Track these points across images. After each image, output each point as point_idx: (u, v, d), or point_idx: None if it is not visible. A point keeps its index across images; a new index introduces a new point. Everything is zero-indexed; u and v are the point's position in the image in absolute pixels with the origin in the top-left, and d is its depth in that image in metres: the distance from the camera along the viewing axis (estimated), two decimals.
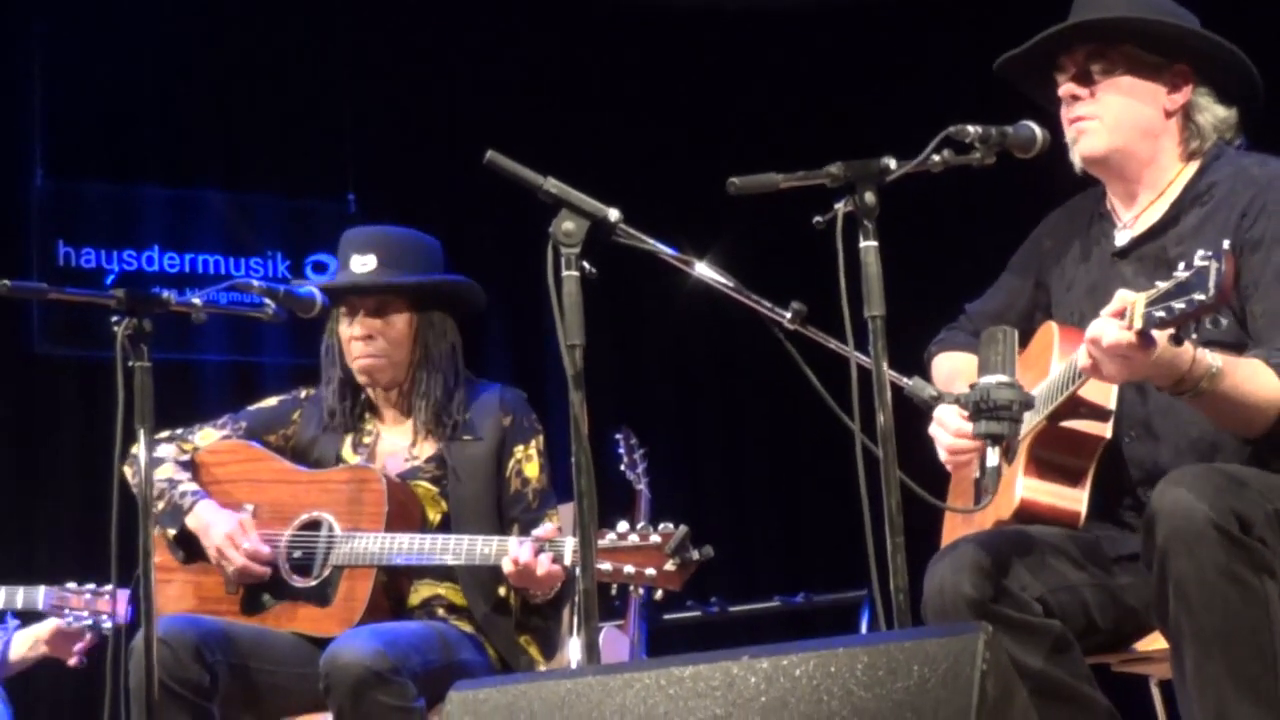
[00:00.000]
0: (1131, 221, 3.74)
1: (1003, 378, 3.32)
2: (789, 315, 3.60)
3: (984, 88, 3.95)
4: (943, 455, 3.77)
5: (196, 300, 4.16)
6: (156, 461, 4.55)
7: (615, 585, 4.16)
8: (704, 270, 3.62)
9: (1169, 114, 3.70)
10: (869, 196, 3.36)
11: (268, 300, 4.29)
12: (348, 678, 4.13)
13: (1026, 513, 3.58)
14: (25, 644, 4.94)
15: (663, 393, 8.88)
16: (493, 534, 4.46)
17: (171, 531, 4.53)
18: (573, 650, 5.65)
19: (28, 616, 4.98)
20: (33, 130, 7.76)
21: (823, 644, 2.87)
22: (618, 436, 7.24)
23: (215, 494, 4.58)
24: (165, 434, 4.68)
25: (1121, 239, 3.74)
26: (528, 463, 4.63)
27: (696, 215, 6.56)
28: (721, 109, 8.90)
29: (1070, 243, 3.87)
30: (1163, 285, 3.14)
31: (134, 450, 4.06)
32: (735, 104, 8.92)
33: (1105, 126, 3.67)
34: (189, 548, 4.56)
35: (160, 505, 4.49)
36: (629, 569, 4.05)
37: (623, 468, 7.19)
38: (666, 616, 7.42)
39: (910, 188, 3.48)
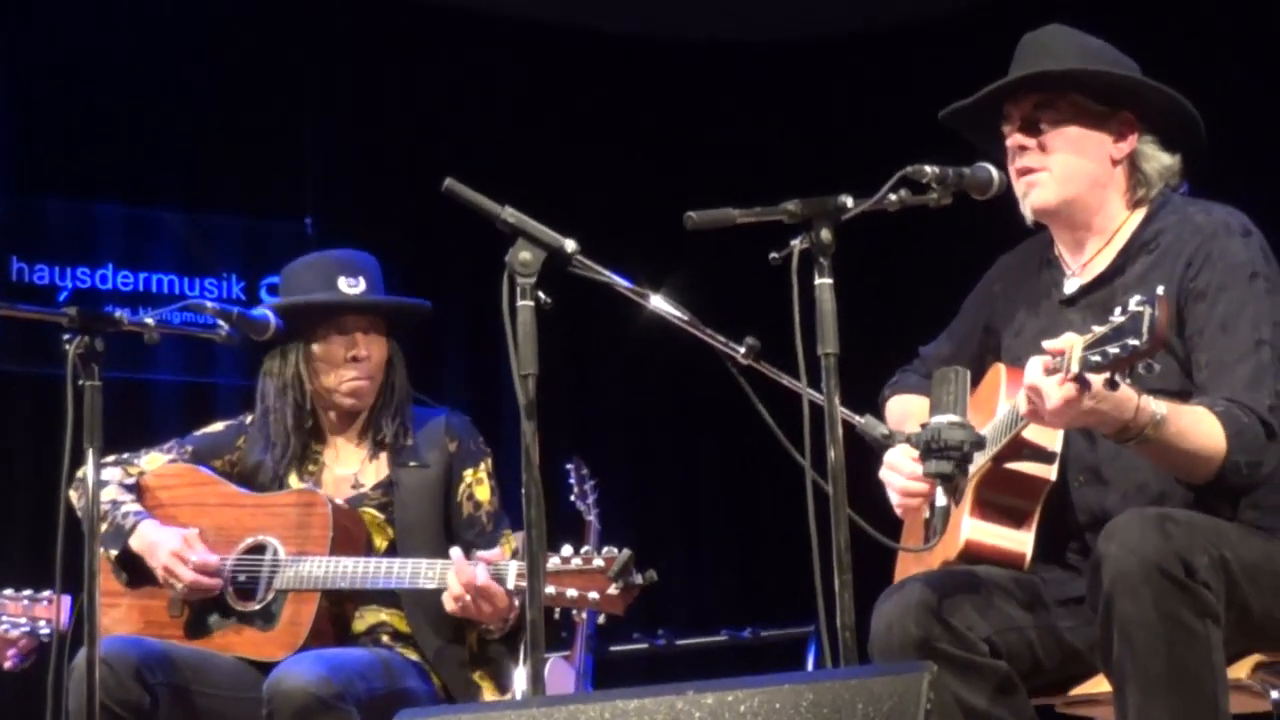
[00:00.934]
0: (1080, 269, 3.77)
1: (954, 418, 3.33)
2: (743, 350, 3.61)
3: (943, 127, 3.97)
4: (894, 499, 3.78)
5: (150, 320, 4.13)
6: (101, 484, 4.52)
7: (559, 612, 4.14)
8: (659, 303, 3.63)
9: (1115, 162, 3.72)
10: (825, 234, 3.37)
11: (221, 322, 4.27)
12: (291, 704, 4.10)
13: (972, 553, 3.59)
14: None
15: (615, 423, 8.88)
16: (438, 558, 4.44)
17: (114, 553, 4.50)
18: (518, 680, 5.63)
19: None
20: None
21: (768, 680, 2.87)
22: (569, 466, 7.23)
23: (160, 517, 4.55)
24: (111, 458, 4.63)
25: (1070, 286, 3.76)
26: (478, 485, 4.62)
27: (654, 246, 6.57)
28: (681, 141, 8.92)
29: (1020, 288, 3.89)
30: (1099, 330, 3.16)
31: (79, 474, 4.04)
32: (695, 136, 8.95)
33: (1054, 178, 3.69)
34: (133, 570, 4.53)
35: (103, 527, 4.45)
36: (572, 592, 4.05)
37: (573, 498, 7.18)
38: (613, 648, 7.41)
39: (867, 226, 3.50)
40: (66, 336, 3.92)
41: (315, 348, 4.63)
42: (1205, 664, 3.21)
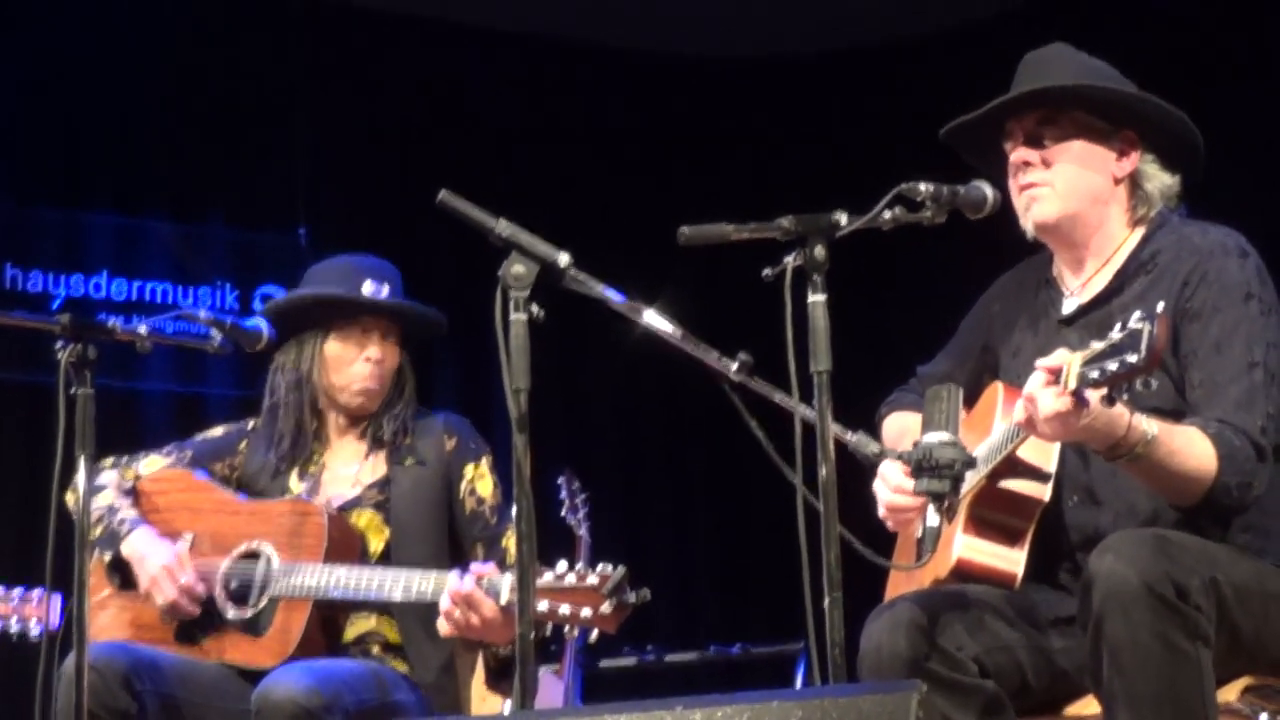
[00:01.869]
0: (1078, 289, 3.77)
1: (945, 436, 3.33)
2: (735, 366, 3.61)
3: (938, 145, 3.97)
4: (881, 511, 3.78)
5: (142, 329, 4.14)
6: (99, 488, 4.54)
7: (550, 626, 4.13)
8: (651, 318, 3.63)
9: (1117, 180, 3.73)
10: (819, 251, 3.37)
11: (214, 331, 4.27)
12: (279, 715, 4.09)
13: (963, 571, 3.59)
14: None
15: (607, 438, 8.88)
16: (437, 560, 4.45)
17: (107, 556, 4.50)
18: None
19: None
20: None
21: (757, 696, 2.87)
22: (560, 480, 7.23)
23: (155, 522, 4.55)
24: (110, 460, 4.66)
25: (1068, 306, 3.77)
26: (480, 481, 4.62)
27: (648, 262, 6.57)
28: (676, 156, 8.93)
29: (1018, 308, 3.89)
30: (1097, 345, 3.17)
31: (76, 479, 4.04)
32: (690, 151, 8.96)
33: (1057, 193, 3.70)
34: (125, 574, 4.53)
35: (98, 531, 4.47)
36: (565, 609, 4.04)
37: (564, 512, 7.18)
38: (602, 663, 7.41)
39: (862, 243, 3.50)
40: (59, 344, 3.93)
41: (331, 344, 4.65)
42: (1195, 686, 3.21)
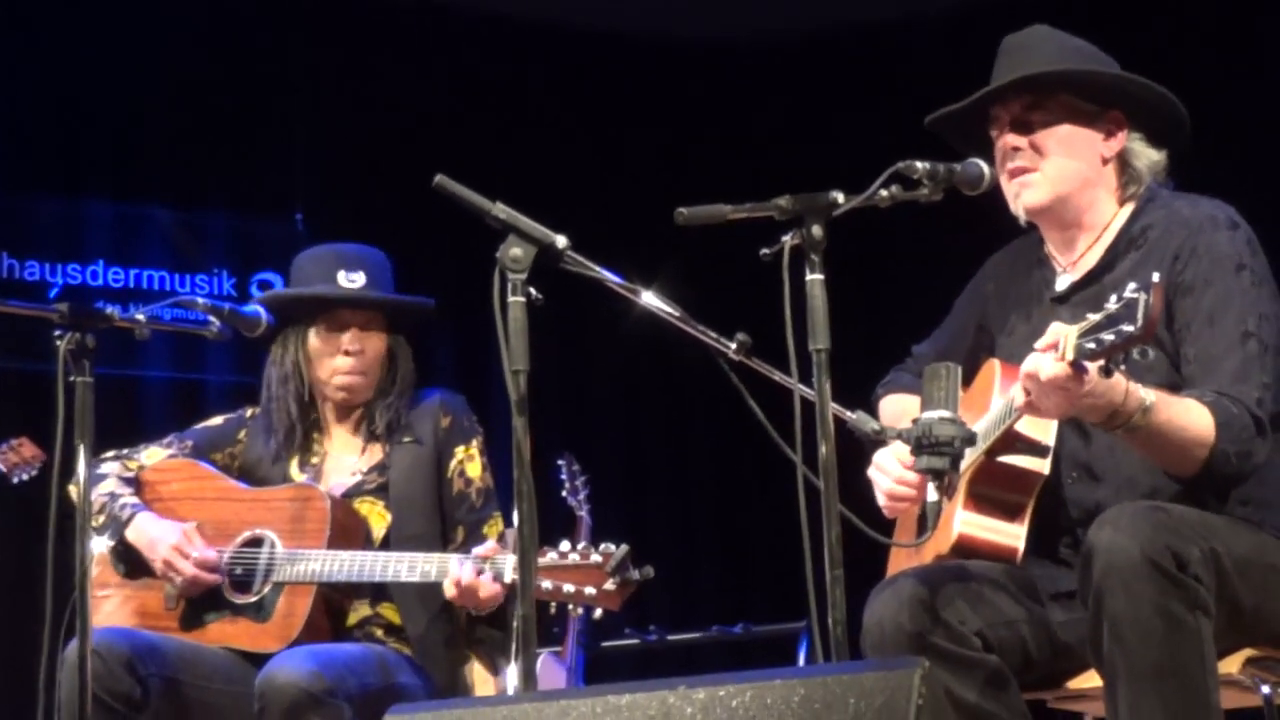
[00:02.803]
0: (1070, 266, 3.78)
1: (945, 413, 3.33)
2: (734, 346, 3.61)
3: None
4: (881, 500, 3.78)
5: (140, 316, 4.14)
6: (100, 478, 4.54)
7: (554, 607, 4.14)
8: (650, 299, 3.63)
9: (1105, 161, 3.74)
10: (816, 230, 3.37)
11: (212, 318, 4.27)
12: (283, 699, 4.11)
13: (964, 547, 3.59)
14: None
15: (607, 419, 8.89)
16: (433, 537, 4.46)
17: (110, 544, 4.51)
18: (510, 676, 5.64)
19: None
20: None
21: (760, 675, 2.88)
22: (560, 462, 7.24)
23: (159, 511, 4.56)
24: (111, 453, 4.67)
25: (1061, 284, 3.77)
26: (469, 463, 4.63)
27: (645, 242, 6.57)
28: (672, 137, 8.93)
29: (1011, 287, 3.90)
30: (1094, 317, 3.17)
31: (77, 468, 4.04)
32: (686, 132, 8.95)
33: (1046, 178, 3.70)
34: (130, 561, 4.54)
35: (101, 519, 4.48)
36: (568, 588, 4.05)
37: (564, 494, 7.19)
38: (605, 644, 7.42)
39: (859, 222, 3.50)
40: (58, 333, 3.93)
41: (312, 338, 4.66)
42: (1196, 657, 3.22)
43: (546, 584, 3.99)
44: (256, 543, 4.50)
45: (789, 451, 3.38)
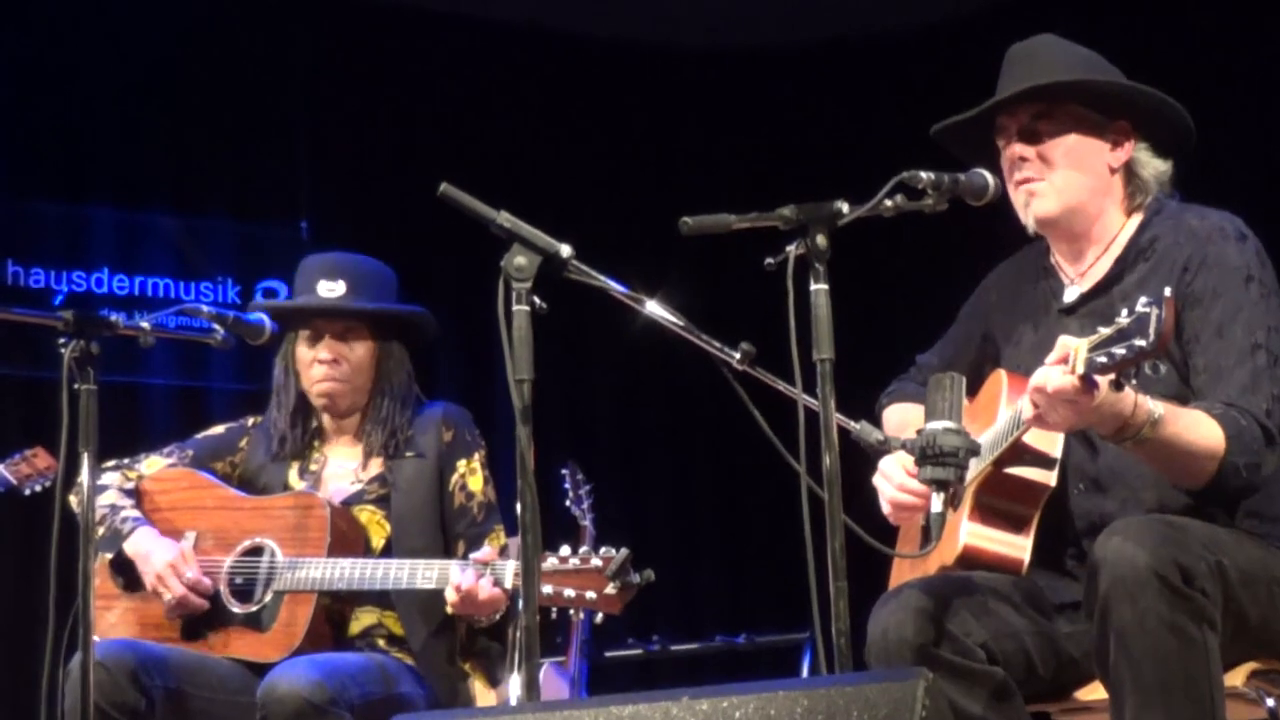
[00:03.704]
0: (1078, 277, 3.77)
1: (949, 424, 3.33)
2: (738, 355, 3.60)
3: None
4: (885, 508, 3.78)
5: (145, 324, 4.14)
6: (101, 488, 4.54)
7: (555, 613, 4.14)
8: (654, 308, 3.63)
9: (1113, 170, 3.73)
10: (821, 239, 3.37)
11: (217, 325, 4.27)
12: (285, 708, 4.10)
13: (970, 558, 3.59)
14: None
15: (610, 428, 8.88)
16: (435, 550, 4.46)
17: (108, 556, 4.50)
18: (513, 686, 5.63)
19: None
20: None
21: (763, 686, 2.87)
22: (563, 471, 7.23)
23: (159, 521, 4.56)
24: (111, 463, 4.67)
25: (1069, 295, 3.77)
26: (471, 476, 4.63)
27: (650, 252, 6.57)
28: (677, 146, 8.93)
29: (1017, 297, 3.89)
30: (1105, 331, 3.16)
31: (79, 479, 4.04)
32: (691, 142, 8.96)
33: (1055, 188, 3.70)
34: (129, 574, 4.53)
35: (101, 530, 4.47)
36: (569, 592, 4.04)
37: (568, 502, 7.18)
38: (608, 654, 7.42)
39: (864, 231, 3.50)
40: (62, 340, 3.93)
41: (297, 348, 4.69)
42: (1202, 671, 3.21)
43: (547, 589, 3.99)
44: (257, 551, 4.50)
45: (793, 461, 3.38)
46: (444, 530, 4.57)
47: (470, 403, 4.84)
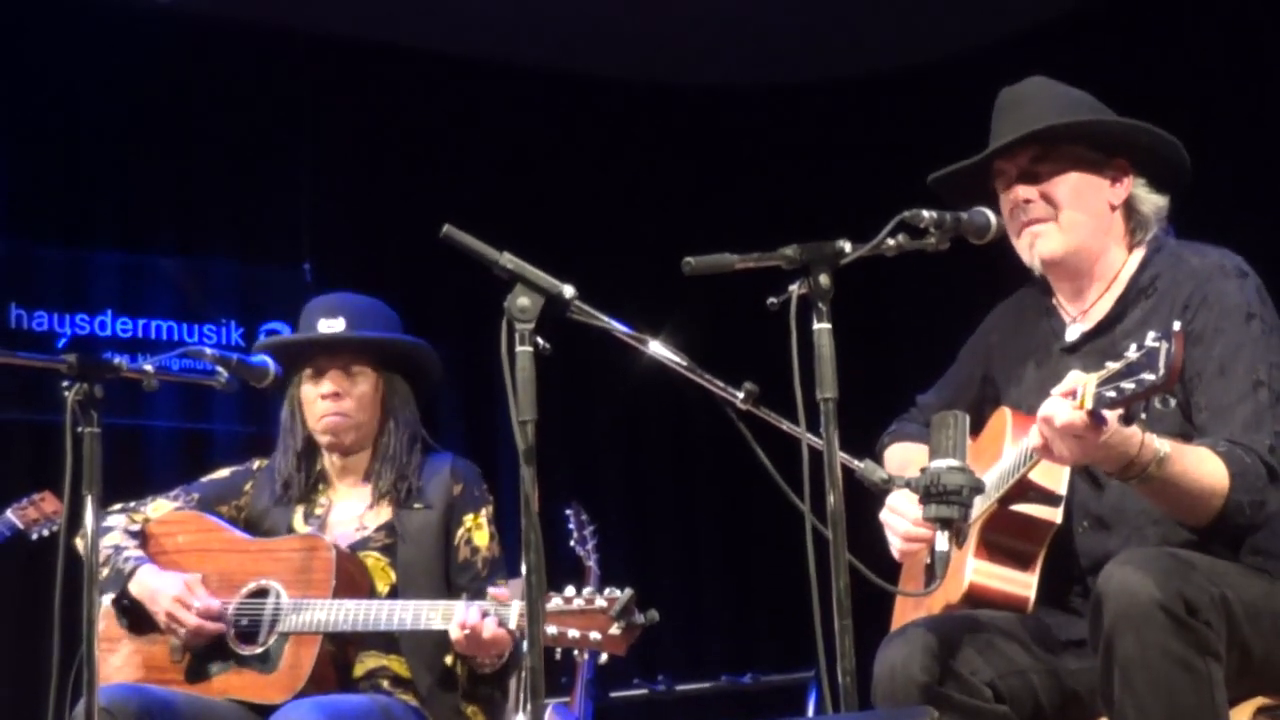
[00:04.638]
0: (1080, 316, 3.78)
1: (953, 462, 3.33)
2: (741, 395, 3.60)
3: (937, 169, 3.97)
4: (895, 543, 3.78)
5: (148, 367, 4.14)
6: (105, 530, 4.54)
7: (559, 653, 4.13)
8: (657, 349, 3.63)
9: (1114, 207, 3.75)
10: (823, 279, 3.37)
11: (220, 368, 4.27)
12: None
13: (975, 596, 3.58)
14: None
15: (614, 469, 8.88)
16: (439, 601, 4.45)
17: (112, 597, 4.49)
18: None
19: None
20: None
21: None
22: (568, 511, 7.23)
23: (165, 563, 4.55)
24: (118, 506, 4.67)
25: (1071, 334, 3.77)
26: (477, 531, 4.62)
27: (653, 292, 6.58)
28: (679, 186, 8.94)
29: (1018, 337, 3.90)
30: (1113, 366, 3.17)
31: (83, 523, 4.04)
32: (693, 181, 8.97)
33: (1060, 228, 3.71)
34: (134, 616, 4.53)
35: (105, 572, 4.47)
36: (574, 633, 4.04)
37: (572, 543, 7.18)
38: (613, 694, 7.40)
39: (866, 271, 3.50)
40: (65, 383, 3.92)
41: (301, 388, 4.69)
42: (1207, 703, 3.21)
43: (552, 629, 3.99)
44: (262, 593, 4.49)
45: (797, 501, 3.38)
46: (448, 584, 4.56)
47: (473, 443, 4.86)
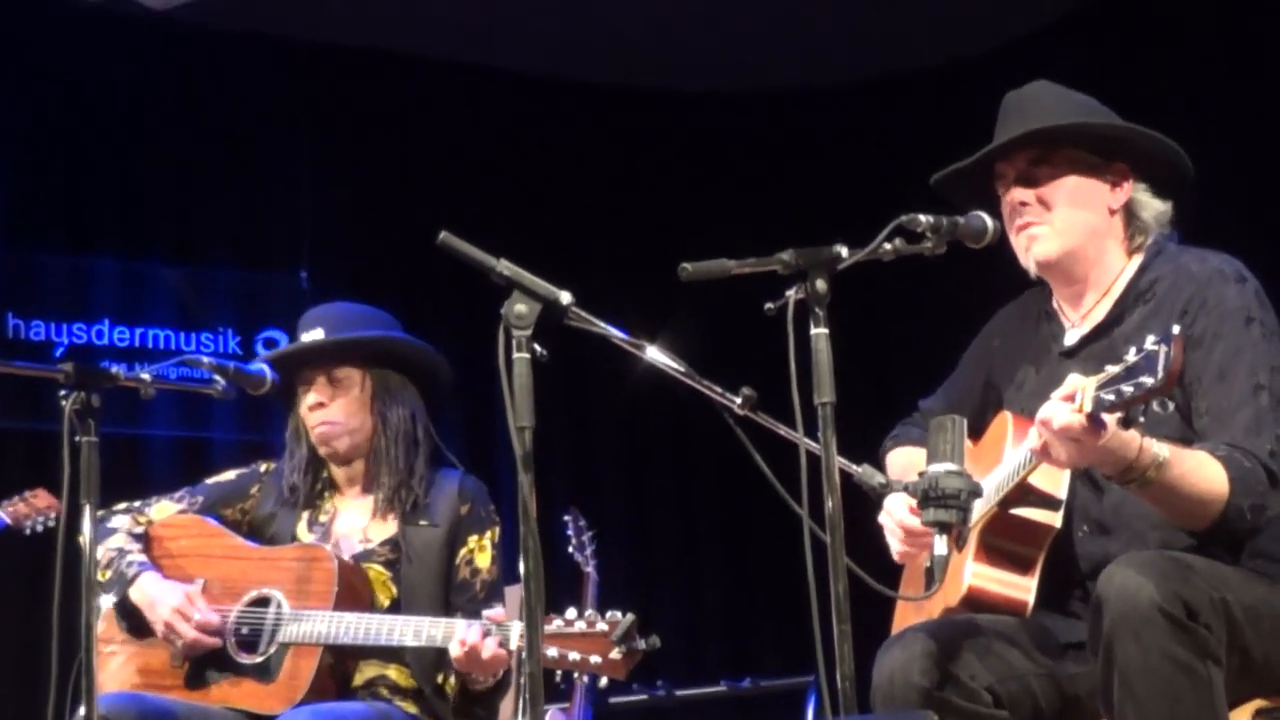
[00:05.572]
0: (1079, 320, 3.78)
1: (951, 466, 3.33)
2: (739, 401, 3.60)
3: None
4: (894, 545, 3.78)
5: (146, 375, 4.13)
6: (109, 532, 4.55)
7: (560, 671, 4.13)
8: (655, 354, 3.63)
9: (1113, 212, 3.75)
10: (820, 284, 3.37)
11: (217, 376, 4.27)
12: None
13: (974, 600, 3.58)
14: None
15: (613, 475, 8.87)
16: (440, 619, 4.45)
17: (112, 598, 4.49)
18: None
19: None
20: None
21: None
22: (566, 518, 7.22)
23: (167, 568, 4.55)
24: (122, 506, 4.67)
25: (1070, 338, 3.78)
26: (480, 553, 4.61)
27: (650, 298, 6.58)
28: (676, 192, 8.94)
29: (1019, 342, 3.90)
30: (1113, 369, 3.17)
31: (81, 531, 4.03)
32: (690, 187, 8.97)
33: (1056, 231, 3.71)
34: (134, 620, 4.52)
35: (107, 574, 4.47)
36: (574, 656, 4.04)
37: (571, 549, 7.17)
38: (612, 700, 7.39)
39: (863, 275, 3.50)
40: (63, 392, 3.92)
41: (298, 401, 4.71)
42: (1207, 706, 3.21)
43: (552, 652, 3.99)
44: (263, 602, 4.49)
45: (795, 505, 3.37)
46: (447, 603, 4.55)
47: (472, 449, 4.85)
